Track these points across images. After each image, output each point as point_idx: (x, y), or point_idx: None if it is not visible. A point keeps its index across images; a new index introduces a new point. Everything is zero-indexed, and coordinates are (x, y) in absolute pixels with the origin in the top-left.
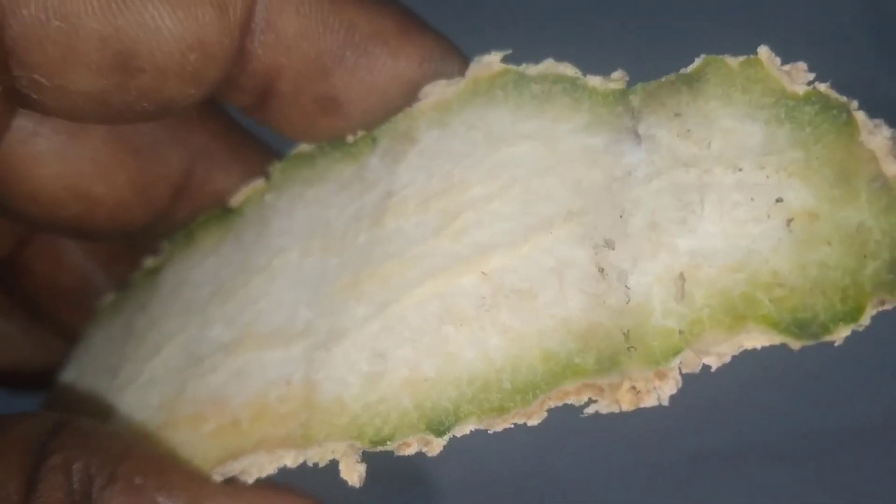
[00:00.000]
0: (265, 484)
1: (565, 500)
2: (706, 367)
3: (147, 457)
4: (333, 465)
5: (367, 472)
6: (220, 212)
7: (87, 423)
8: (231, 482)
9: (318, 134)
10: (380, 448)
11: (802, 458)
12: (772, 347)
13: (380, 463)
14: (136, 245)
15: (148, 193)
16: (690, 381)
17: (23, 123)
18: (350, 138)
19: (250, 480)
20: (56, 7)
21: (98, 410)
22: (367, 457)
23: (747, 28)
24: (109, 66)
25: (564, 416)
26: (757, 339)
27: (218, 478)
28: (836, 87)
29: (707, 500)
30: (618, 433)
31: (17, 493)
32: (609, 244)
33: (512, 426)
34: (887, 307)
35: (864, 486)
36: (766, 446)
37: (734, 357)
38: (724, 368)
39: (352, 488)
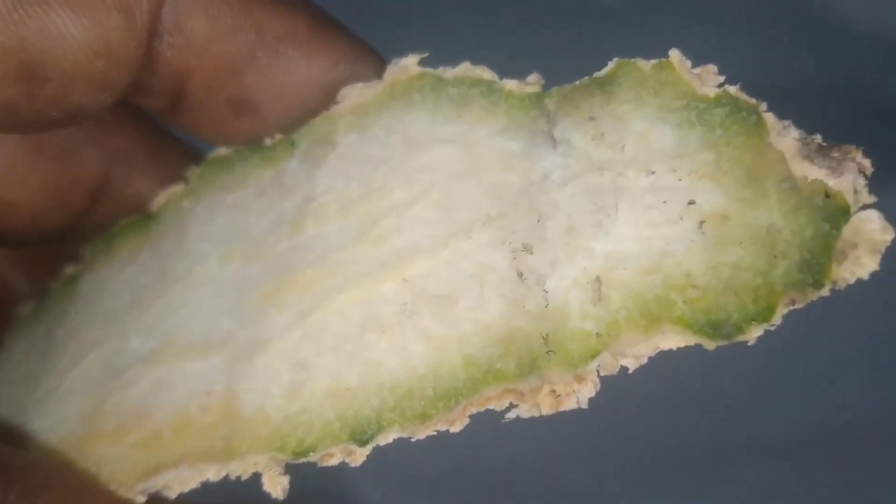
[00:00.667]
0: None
1: (562, 498)
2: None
3: (68, 485)
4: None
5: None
6: (139, 218)
7: (3, 452)
8: (156, 499)
9: (233, 136)
10: (302, 459)
11: (801, 458)
12: (773, 348)
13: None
14: (57, 249)
15: (65, 197)
16: (690, 382)
17: None
18: (268, 141)
19: (173, 495)
20: None
21: (17, 423)
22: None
23: (748, 27)
24: (14, 77)
25: (561, 415)
26: (672, 340)
27: (141, 498)
28: (838, 87)
29: (705, 499)
30: (614, 432)
31: None
32: (527, 248)
33: (434, 433)
34: (798, 306)
35: (864, 486)
36: (766, 446)
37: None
38: (722, 368)
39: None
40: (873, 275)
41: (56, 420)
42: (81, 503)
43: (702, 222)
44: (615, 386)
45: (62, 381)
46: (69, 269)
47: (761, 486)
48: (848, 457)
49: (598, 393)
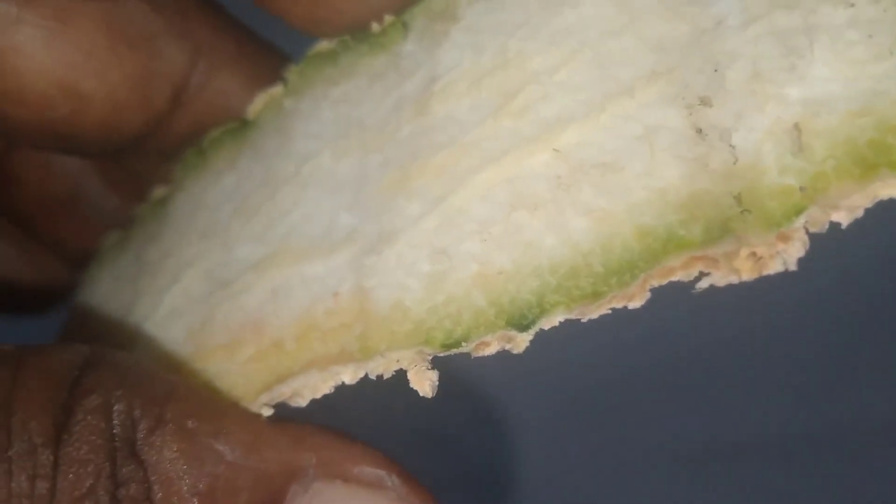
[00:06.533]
0: (330, 430)
1: (563, 498)
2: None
3: (196, 397)
4: None
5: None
6: (234, 126)
7: (124, 358)
8: (289, 424)
9: (328, 18)
10: (454, 351)
11: (801, 458)
12: (773, 347)
13: None
14: (140, 174)
15: (145, 91)
16: (690, 382)
17: (4, 9)
18: (375, 27)
19: (304, 403)
20: None
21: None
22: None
23: None
24: None
25: (563, 417)
26: (895, 186)
27: (266, 410)
28: None
29: (706, 499)
30: (614, 432)
31: (42, 435)
32: (705, 101)
33: (609, 311)
34: None
35: (864, 486)
36: (765, 446)
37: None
38: (722, 368)
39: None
40: (871, 275)
41: (157, 343)
42: (213, 416)
43: None
44: (615, 386)
45: (160, 302)
46: (157, 191)
47: (761, 486)
48: (848, 457)
49: (598, 393)
